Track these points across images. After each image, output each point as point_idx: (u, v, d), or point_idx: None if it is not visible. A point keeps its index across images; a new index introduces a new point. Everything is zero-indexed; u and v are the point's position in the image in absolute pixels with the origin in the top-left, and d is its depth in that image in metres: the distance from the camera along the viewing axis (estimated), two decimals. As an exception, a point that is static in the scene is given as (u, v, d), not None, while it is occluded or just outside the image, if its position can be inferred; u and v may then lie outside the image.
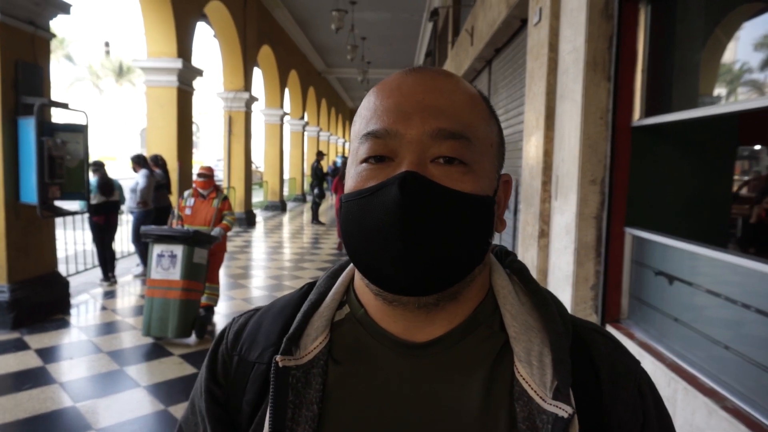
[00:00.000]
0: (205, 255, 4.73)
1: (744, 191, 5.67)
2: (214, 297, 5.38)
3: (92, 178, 6.79)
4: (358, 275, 0.62)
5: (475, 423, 0.55)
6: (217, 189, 5.36)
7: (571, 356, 0.56)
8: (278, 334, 0.62)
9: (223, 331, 0.68)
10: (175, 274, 4.55)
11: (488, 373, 0.57)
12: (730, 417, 2.06)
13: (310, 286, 0.67)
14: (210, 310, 5.29)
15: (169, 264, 4.56)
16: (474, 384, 0.56)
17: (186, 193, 5.39)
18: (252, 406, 0.60)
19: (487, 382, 0.56)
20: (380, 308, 0.59)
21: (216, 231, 5.05)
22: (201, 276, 4.73)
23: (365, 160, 0.56)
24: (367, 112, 0.57)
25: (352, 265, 0.65)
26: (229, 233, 7.95)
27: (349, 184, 0.57)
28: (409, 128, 0.54)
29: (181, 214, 5.26)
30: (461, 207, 0.53)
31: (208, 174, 5.31)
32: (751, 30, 2.69)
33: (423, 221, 0.51)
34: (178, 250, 4.57)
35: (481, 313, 0.60)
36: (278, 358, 0.58)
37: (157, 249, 4.60)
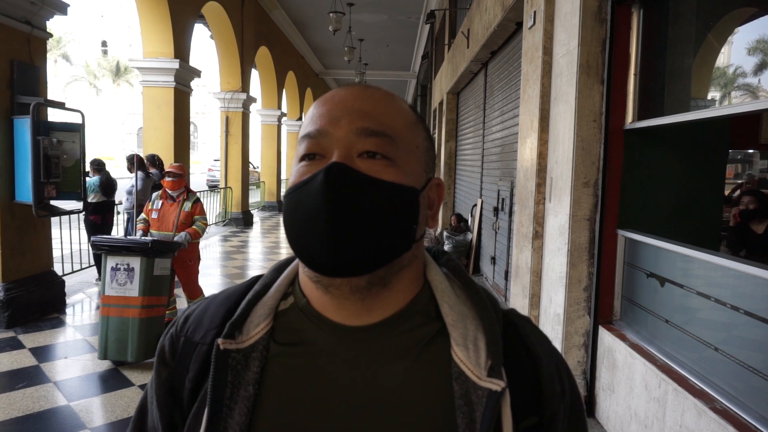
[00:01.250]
0: (168, 265, 4.25)
1: (737, 194, 5.70)
2: None
3: (94, 177, 6.80)
4: (302, 268, 0.67)
5: (413, 401, 0.60)
6: (188, 191, 4.90)
7: (504, 339, 0.63)
8: (222, 318, 0.67)
9: (177, 317, 0.73)
10: (133, 290, 4.03)
11: (423, 355, 0.62)
12: (719, 418, 2.08)
13: (257, 278, 0.72)
14: None
15: (125, 278, 4.05)
16: (409, 365, 0.61)
17: (154, 195, 4.90)
18: (193, 383, 0.65)
19: (422, 363, 0.61)
20: (321, 298, 0.64)
21: (180, 236, 4.54)
22: (164, 288, 4.24)
23: (302, 159, 0.63)
24: (306, 120, 0.65)
25: (297, 260, 0.70)
26: (216, 236, 7.77)
27: (290, 181, 0.63)
28: (337, 128, 0.61)
29: (148, 218, 4.79)
30: (382, 193, 0.58)
31: (177, 173, 4.78)
32: (743, 34, 2.71)
33: (346, 205, 0.57)
34: (135, 262, 4.05)
35: (418, 303, 0.65)
36: (220, 341, 0.62)
37: (111, 262, 4.08)
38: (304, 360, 0.62)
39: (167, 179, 4.77)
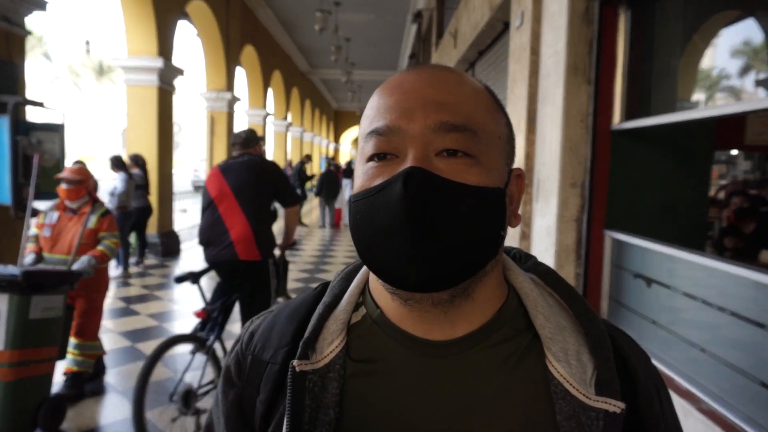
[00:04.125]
0: (58, 304, 3.07)
1: (721, 195, 5.76)
2: (89, 360, 3.65)
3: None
4: (373, 276, 0.62)
5: (509, 422, 0.54)
6: (95, 201, 3.72)
7: None
8: (292, 334, 0.62)
9: (241, 334, 0.68)
10: None
11: (516, 372, 0.56)
12: (705, 419, 2.08)
13: (324, 286, 0.67)
14: (77, 381, 3.59)
15: None
16: (501, 384, 0.55)
17: (48, 206, 3.76)
18: (266, 405, 0.60)
19: (516, 381, 0.56)
20: (398, 309, 0.58)
21: (81, 262, 3.39)
22: (49, 336, 3.03)
23: (371, 158, 0.56)
24: (372, 112, 0.57)
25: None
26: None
27: (357, 183, 0.57)
28: (411, 123, 0.54)
29: (39, 236, 3.63)
30: (468, 200, 0.52)
31: (74, 179, 3.56)
32: (727, 37, 2.73)
33: (429, 216, 0.51)
34: (2, 302, 2.85)
35: (505, 313, 0.59)
36: (296, 362, 0.57)
37: None
38: (386, 379, 0.57)
39: (62, 186, 3.56)
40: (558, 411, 0.53)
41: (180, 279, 3.10)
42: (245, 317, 3.51)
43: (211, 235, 3.39)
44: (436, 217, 0.51)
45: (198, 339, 3.10)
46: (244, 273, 3.35)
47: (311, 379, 0.57)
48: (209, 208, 3.42)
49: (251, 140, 3.57)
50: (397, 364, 0.57)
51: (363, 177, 0.56)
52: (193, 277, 3.11)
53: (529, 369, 0.56)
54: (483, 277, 0.57)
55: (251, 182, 3.40)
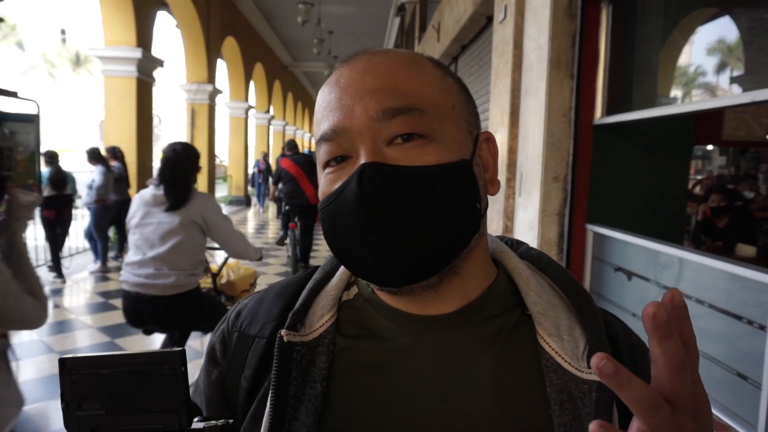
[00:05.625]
0: None
1: (697, 190, 5.87)
2: None
3: (45, 169, 6.51)
4: None
5: (501, 396, 0.54)
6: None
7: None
8: (281, 310, 0.61)
9: (227, 314, 0.67)
10: None
11: (505, 347, 0.56)
12: (684, 409, 2.11)
13: (314, 268, 0.66)
14: None
15: None
16: (491, 357, 0.55)
17: None
18: (250, 382, 0.58)
19: (507, 355, 0.55)
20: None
21: None
22: None
23: (327, 164, 0.55)
24: (318, 116, 0.56)
25: None
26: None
27: (320, 191, 0.57)
28: (353, 120, 0.52)
29: None
30: (428, 181, 0.51)
31: None
32: (704, 34, 2.77)
33: (392, 209, 0.49)
34: None
35: (494, 291, 0.59)
36: (283, 332, 0.56)
37: None
38: (377, 355, 0.56)
39: None
40: (548, 384, 0.53)
41: (286, 213, 6.99)
42: (304, 231, 6.84)
43: (294, 194, 6.73)
44: (400, 208, 0.49)
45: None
46: (309, 210, 6.76)
47: (299, 351, 0.56)
48: (291, 180, 6.70)
49: (296, 146, 7.26)
50: (389, 341, 0.57)
51: (324, 184, 0.55)
52: (292, 212, 6.88)
53: (520, 344, 0.56)
54: (468, 253, 0.56)
55: (308, 167, 6.68)
